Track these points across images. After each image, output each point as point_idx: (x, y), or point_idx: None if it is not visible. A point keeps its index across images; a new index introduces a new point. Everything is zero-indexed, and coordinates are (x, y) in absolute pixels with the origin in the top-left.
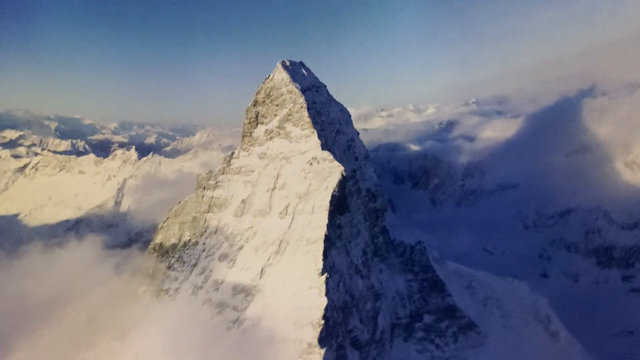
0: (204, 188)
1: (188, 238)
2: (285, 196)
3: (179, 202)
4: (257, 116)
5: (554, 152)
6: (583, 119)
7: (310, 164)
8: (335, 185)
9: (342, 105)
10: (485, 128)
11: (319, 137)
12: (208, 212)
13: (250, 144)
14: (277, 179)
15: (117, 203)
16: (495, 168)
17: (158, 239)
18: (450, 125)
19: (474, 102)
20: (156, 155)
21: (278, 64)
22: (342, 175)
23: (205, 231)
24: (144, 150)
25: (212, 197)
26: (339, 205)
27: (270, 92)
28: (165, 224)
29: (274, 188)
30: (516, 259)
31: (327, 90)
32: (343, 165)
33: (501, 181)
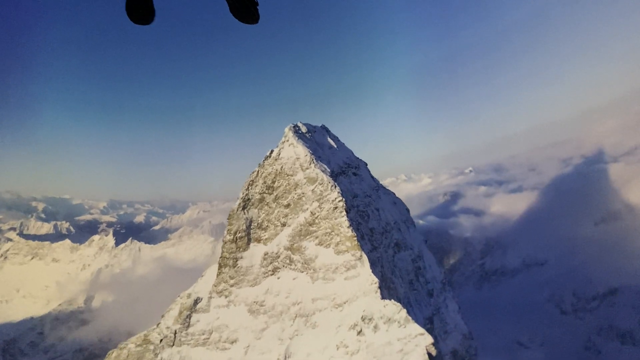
0: None
1: None
2: None
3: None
4: (248, 227)
5: (581, 223)
6: (605, 186)
7: (360, 331)
8: None
9: (394, 194)
10: (493, 200)
11: (371, 263)
12: None
13: (233, 282)
14: None
15: (89, 298)
16: (517, 244)
17: None
18: (455, 197)
19: (471, 171)
20: (135, 241)
21: (287, 129)
22: (430, 355)
23: None
24: (131, 230)
25: None
26: None
27: (273, 181)
28: None
29: None
30: (558, 353)
31: (369, 172)
32: (414, 317)
33: (526, 258)
